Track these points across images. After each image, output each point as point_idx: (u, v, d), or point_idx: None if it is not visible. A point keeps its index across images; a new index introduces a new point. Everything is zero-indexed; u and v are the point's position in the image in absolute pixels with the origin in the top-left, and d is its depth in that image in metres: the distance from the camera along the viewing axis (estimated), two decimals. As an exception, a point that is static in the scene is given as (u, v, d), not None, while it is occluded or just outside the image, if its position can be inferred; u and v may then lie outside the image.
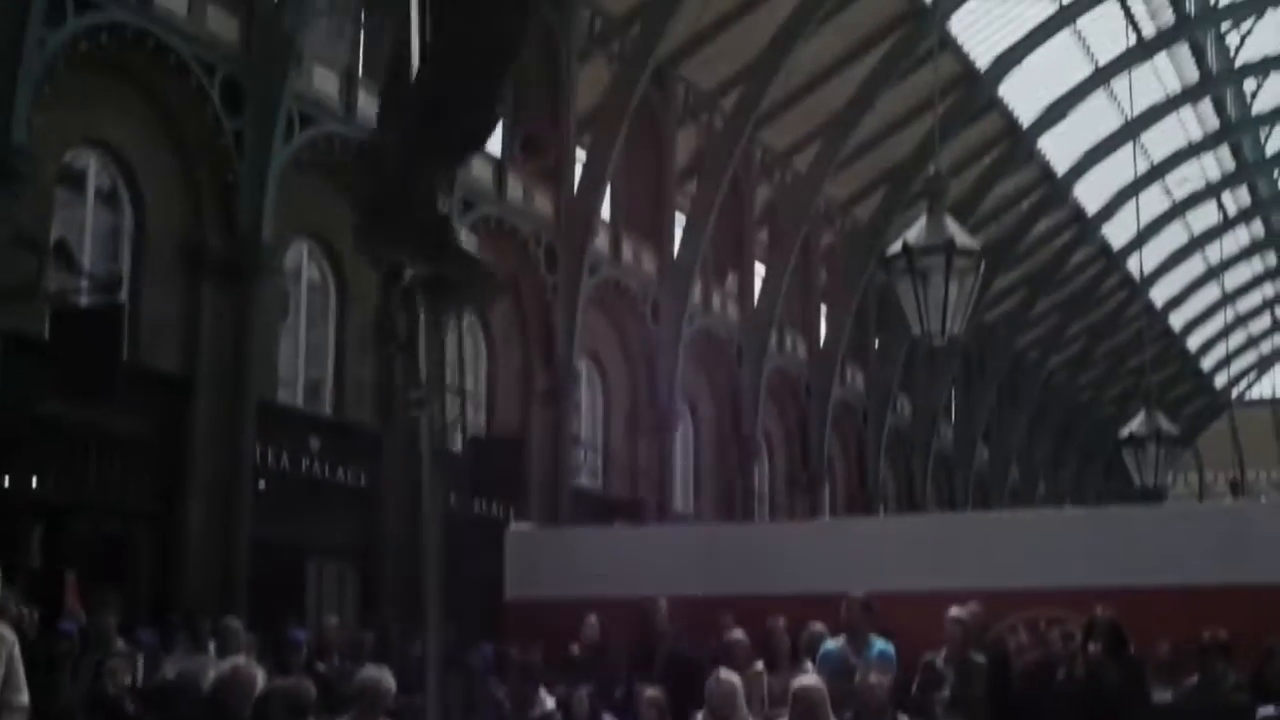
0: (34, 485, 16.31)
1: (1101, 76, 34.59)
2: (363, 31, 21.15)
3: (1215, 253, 45.78)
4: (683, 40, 26.22)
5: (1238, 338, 54.21)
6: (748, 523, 26.16)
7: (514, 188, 23.79)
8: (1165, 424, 17.43)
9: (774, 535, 15.10)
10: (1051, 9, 31.74)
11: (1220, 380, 56.47)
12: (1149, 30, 34.47)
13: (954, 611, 9.79)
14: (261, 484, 18.75)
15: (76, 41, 16.72)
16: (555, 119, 24.52)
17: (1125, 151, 34.99)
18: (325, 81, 20.01)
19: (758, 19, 26.08)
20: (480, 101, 3.35)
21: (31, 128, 15.78)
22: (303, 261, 20.77)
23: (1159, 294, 45.80)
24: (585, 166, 25.19)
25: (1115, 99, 35.52)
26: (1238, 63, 38.05)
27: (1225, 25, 37.02)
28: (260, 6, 18.87)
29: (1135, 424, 17.26)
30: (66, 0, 16.37)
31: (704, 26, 25.89)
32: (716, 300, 29.66)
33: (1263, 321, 55.48)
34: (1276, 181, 45.86)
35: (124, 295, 17.46)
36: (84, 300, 16.67)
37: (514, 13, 3.37)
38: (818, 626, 10.33)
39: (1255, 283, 51.36)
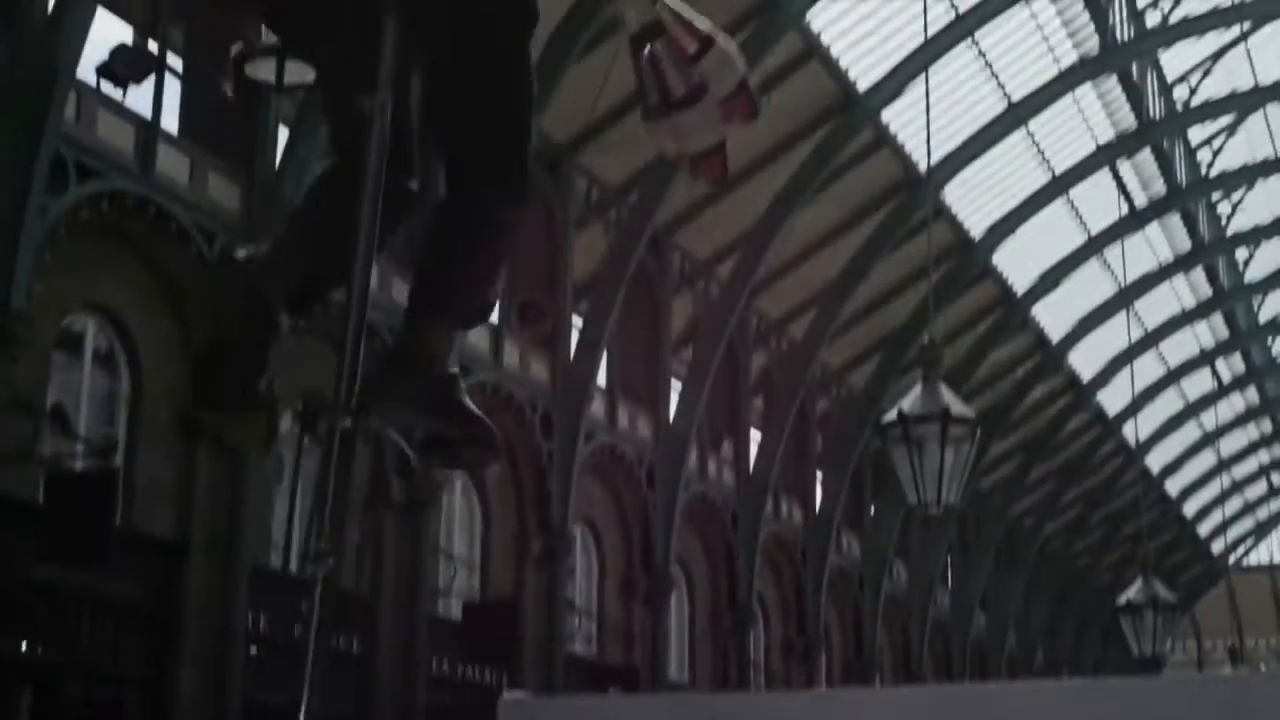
0: (25, 649, 16.18)
1: (1094, 245, 34.90)
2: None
3: (1210, 419, 45.83)
4: (679, 209, 26.50)
5: (1234, 504, 54.09)
6: (745, 693, 25.90)
7: (510, 354, 23.90)
8: (1162, 591, 17.33)
9: (772, 706, 14.94)
10: (1044, 179, 32.10)
11: (1217, 546, 56.24)
12: (1141, 200, 34.87)
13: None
14: (254, 649, 18.61)
15: (78, 209, 16.90)
16: (552, 286, 24.70)
17: (1119, 319, 35.18)
18: (324, 247, 20.13)
19: (753, 188, 26.36)
20: (478, 283, 3.38)
21: (31, 293, 15.89)
22: (296, 425, 20.76)
23: (1155, 460, 45.79)
24: (582, 333, 25.32)
25: (1108, 267, 35.80)
26: (1229, 232, 38.43)
27: (1216, 195, 37.44)
28: (260, 174, 19.08)
29: (1132, 591, 17.18)
30: (69, 168, 16.57)
31: (700, 195, 26.16)
32: (712, 466, 29.66)
33: (1259, 488, 55.41)
34: (1270, 349, 46.11)
35: (119, 460, 17.46)
36: (79, 465, 16.68)
37: (509, 200, 3.41)
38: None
39: (1251, 449, 51.37)
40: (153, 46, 18.46)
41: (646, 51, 3.66)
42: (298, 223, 3.47)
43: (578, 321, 25.54)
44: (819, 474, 33.72)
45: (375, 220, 3.15)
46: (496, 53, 3.37)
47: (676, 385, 28.26)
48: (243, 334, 3.35)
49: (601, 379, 26.28)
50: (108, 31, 17.94)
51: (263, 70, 8.53)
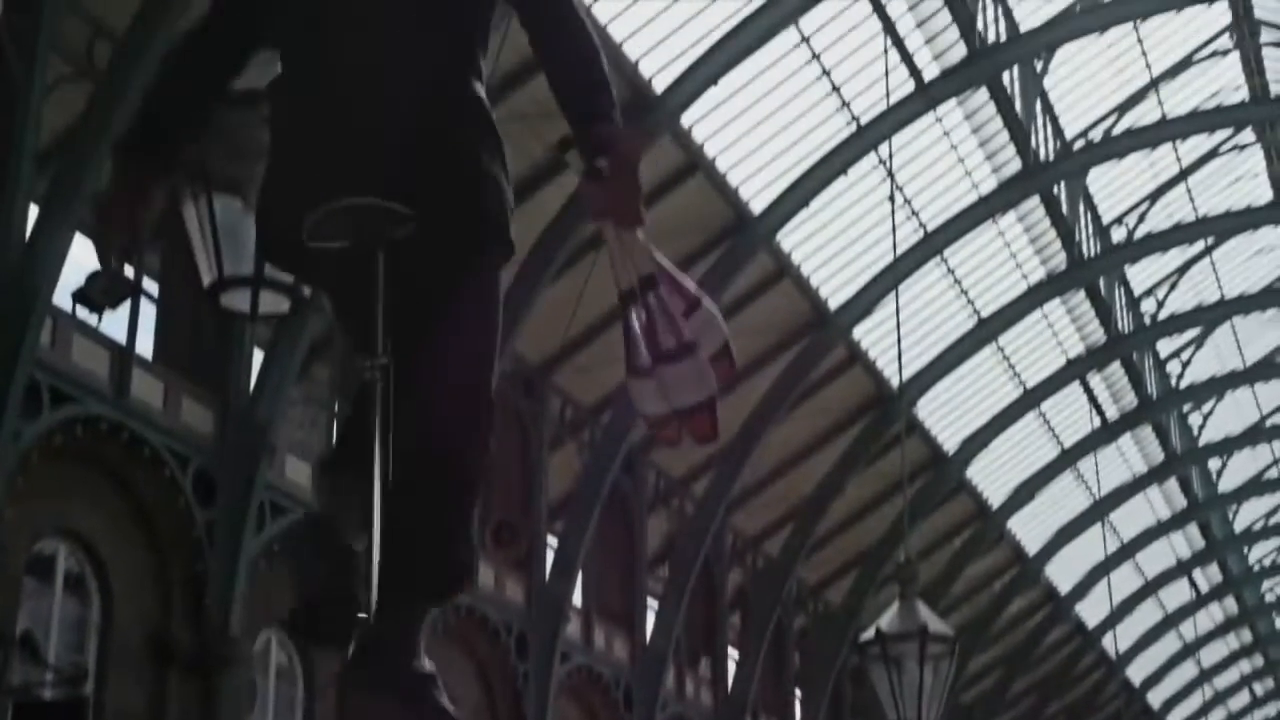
0: None
1: (1068, 458, 35.02)
2: (335, 420, 21.39)
3: (1190, 630, 45.60)
4: (653, 427, 26.52)
5: (1218, 715, 53.51)
6: None
7: (485, 575, 23.72)
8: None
9: None
10: (1016, 393, 32.31)
11: (1202, 759, 55.55)
12: (1112, 413, 35.08)
13: None
14: None
15: (51, 434, 16.89)
16: (527, 506, 24.63)
17: (1095, 531, 35.19)
18: (298, 471, 20.12)
19: (727, 407, 26.31)
20: (450, 540, 3.34)
21: (2, 519, 15.79)
22: (271, 650, 20.55)
23: (1136, 672, 45.44)
24: (557, 553, 25.19)
25: (1083, 480, 35.93)
26: (1201, 442, 38.64)
27: (1187, 406, 37.71)
28: (234, 399, 19.10)
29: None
30: (43, 393, 16.59)
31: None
32: (690, 686, 29.32)
33: (1242, 698, 54.86)
34: (1246, 558, 46.05)
35: (89, 687, 17.20)
36: (48, 693, 16.42)
37: (478, 446, 3.39)
38: None
39: (1231, 659, 50.97)
40: (129, 272, 18.61)
41: (639, 308, 3.66)
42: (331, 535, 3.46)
43: (553, 541, 25.43)
44: (798, 692, 33.37)
45: (379, 498, 3.16)
46: (481, 291, 3.40)
47: (653, 604, 28.05)
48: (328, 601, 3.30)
49: (577, 599, 26.08)
50: (84, 256, 18.10)
51: (237, 300, 8.52)
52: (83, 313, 17.77)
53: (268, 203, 3.47)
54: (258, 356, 19.50)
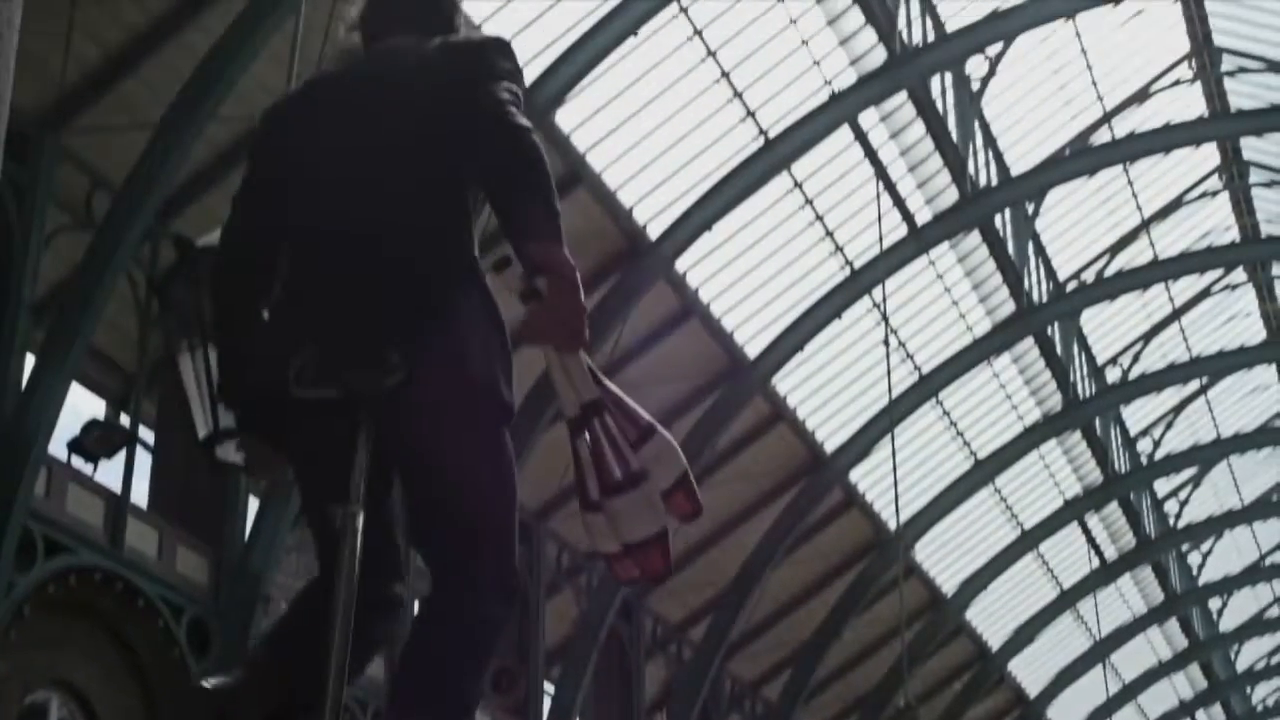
0: None
1: (1067, 599, 34.80)
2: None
3: (1195, 770, 45.15)
4: (650, 572, 26.35)
5: None
6: None
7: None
8: None
9: None
10: (1014, 535, 32.19)
11: None
12: (1111, 553, 34.96)
13: None
14: None
15: (45, 585, 16.74)
16: (524, 653, 24.42)
17: (1096, 673, 34.94)
18: (293, 618, 19.94)
19: (724, 551, 26.43)
20: (462, 679, 3.32)
21: (-6, 673, 15.65)
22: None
23: (1141, 815, 44.89)
24: (554, 700, 24.93)
25: (1083, 621, 35.69)
26: (1201, 581, 38.46)
27: (1186, 546, 37.57)
28: (229, 548, 18.98)
29: None
30: (37, 544, 16.47)
31: (673, 559, 26.06)
32: (689, 835, 28.90)
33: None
34: (1249, 697, 45.64)
35: (80, 842, 16.95)
36: None
37: (498, 597, 3.37)
38: None
39: (1236, 803, 50.44)
40: (125, 421, 18.59)
41: (585, 436, 3.57)
42: (272, 641, 3.43)
43: (550, 688, 25.18)
44: (799, 840, 32.89)
45: (348, 638, 3.10)
46: (476, 450, 3.38)
47: (651, 751, 27.75)
48: None
49: (575, 747, 25.78)
50: (80, 406, 18.10)
51: (232, 452, 8.51)
52: (78, 462, 17.71)
53: (249, 351, 3.46)
54: (252, 505, 19.42)
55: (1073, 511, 32.74)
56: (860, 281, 24.26)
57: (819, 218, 23.61)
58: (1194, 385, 32.87)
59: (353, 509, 3.18)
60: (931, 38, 22.32)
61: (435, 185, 3.44)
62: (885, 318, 24.56)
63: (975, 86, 23.83)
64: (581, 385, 3.45)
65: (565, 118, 19.71)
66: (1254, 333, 32.87)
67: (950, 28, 22.53)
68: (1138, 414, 33.21)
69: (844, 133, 22.35)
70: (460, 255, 3.43)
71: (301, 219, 3.52)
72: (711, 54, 20.48)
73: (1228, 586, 38.91)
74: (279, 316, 3.48)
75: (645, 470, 3.52)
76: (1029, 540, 32.49)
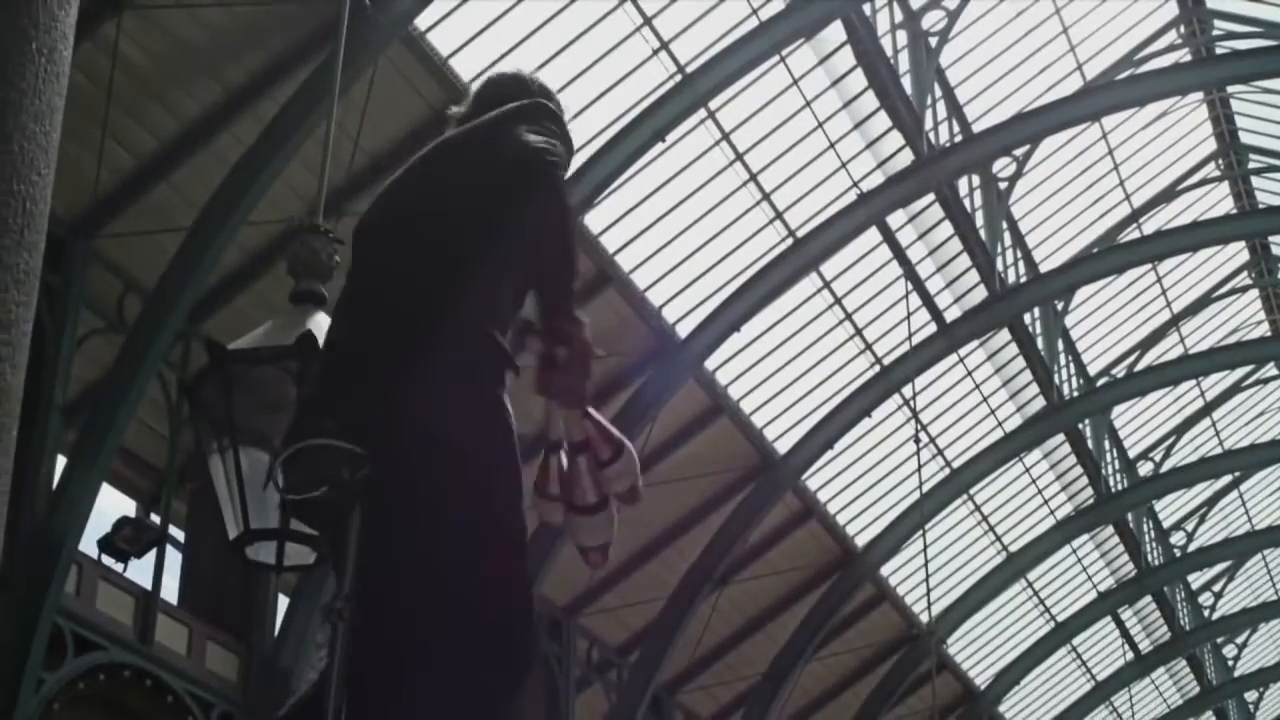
0: None
1: (1101, 693, 34.59)
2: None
3: None
4: (680, 667, 26.38)
5: None
6: None
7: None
8: None
9: None
10: (1047, 628, 32.05)
11: None
12: (1145, 646, 34.76)
13: None
14: None
15: (75, 682, 16.85)
16: (553, 748, 24.39)
17: (1131, 767, 34.70)
18: (321, 717, 19.99)
19: (757, 646, 26.46)
20: None
21: (21, 768, 15.74)
22: None
23: None
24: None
25: (1118, 714, 35.47)
26: (1236, 674, 38.17)
27: (1221, 638, 37.33)
28: (259, 644, 19.08)
29: None
30: (67, 641, 16.59)
31: (703, 653, 26.12)
32: None
33: None
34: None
35: None
36: None
37: (505, 678, 3.46)
38: None
39: None
40: (155, 518, 18.76)
41: (558, 455, 3.85)
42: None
43: (580, 786, 25.13)
44: None
45: None
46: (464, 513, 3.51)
47: None
48: None
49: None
50: (111, 505, 18.28)
51: (263, 553, 8.65)
52: (108, 560, 17.86)
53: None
54: (282, 602, 19.53)
55: (1106, 605, 32.57)
56: (889, 379, 24.34)
57: (848, 316, 23.72)
58: (1226, 479, 32.78)
59: (339, 604, 3.28)
60: (959, 139, 22.51)
61: (441, 243, 3.63)
62: (915, 414, 24.65)
63: (1003, 186, 23.97)
64: (574, 430, 3.79)
65: (595, 220, 19.93)
66: (1287, 426, 32.86)
67: (976, 129, 22.72)
68: (1170, 507, 33.13)
69: (872, 233, 22.50)
70: (459, 316, 3.57)
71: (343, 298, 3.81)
72: (740, 157, 20.69)
73: (1264, 679, 38.59)
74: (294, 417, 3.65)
75: (608, 496, 3.85)
76: (1062, 633, 32.33)
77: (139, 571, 18.26)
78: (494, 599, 3.47)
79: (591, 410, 3.77)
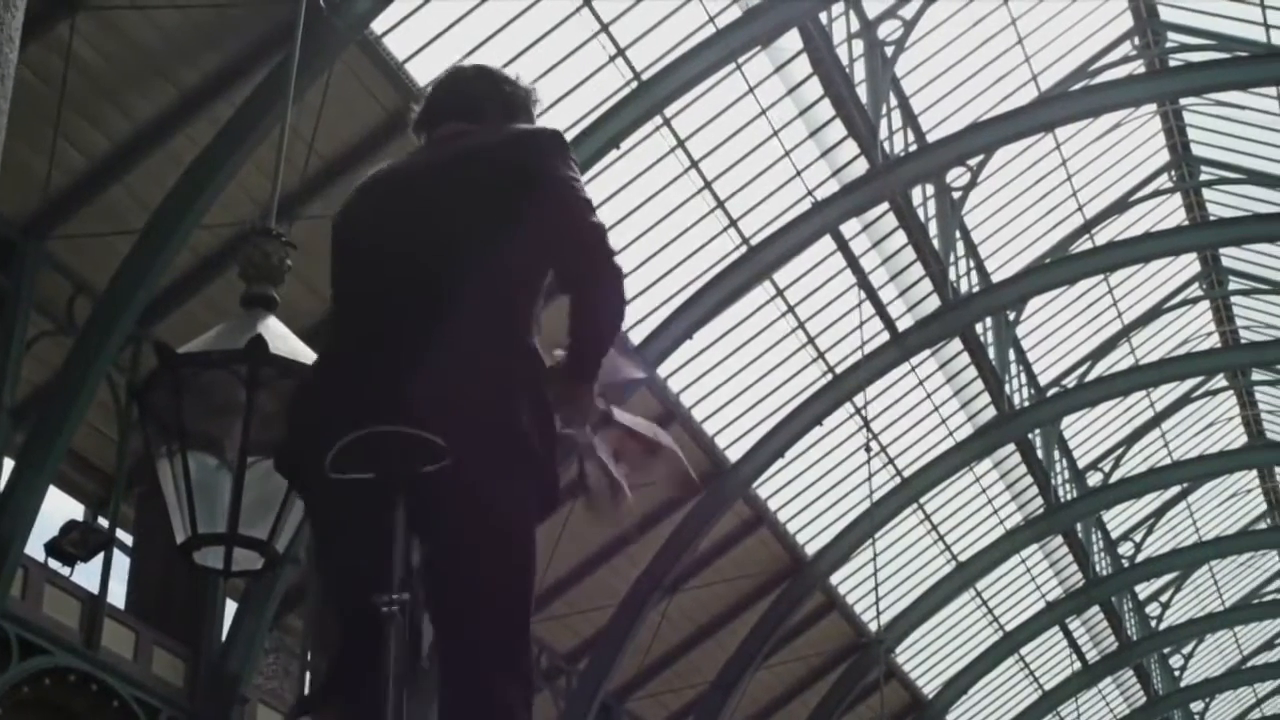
0: None
1: (1049, 702, 34.68)
2: (308, 672, 21.22)
3: None
4: (630, 675, 26.34)
5: None
6: None
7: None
8: None
9: None
10: (995, 637, 32.13)
11: None
12: (1093, 655, 34.91)
13: None
14: None
15: (19, 686, 16.70)
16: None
17: (1079, 778, 34.82)
18: (269, 721, 19.93)
19: (705, 654, 26.46)
20: None
21: (-34, 775, 15.58)
22: None
23: None
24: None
25: (1065, 724, 35.61)
26: (1183, 683, 38.37)
27: (1167, 649, 37.50)
28: (206, 650, 18.94)
29: None
30: (12, 644, 16.43)
31: (653, 660, 26.09)
32: None
33: None
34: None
35: None
36: None
37: (514, 682, 3.44)
38: None
39: None
40: (103, 522, 18.60)
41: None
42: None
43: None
44: None
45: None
46: (506, 533, 3.47)
47: None
48: None
49: None
50: (59, 508, 18.12)
51: (210, 558, 8.56)
52: (55, 564, 17.71)
53: (302, 423, 3.57)
54: (230, 607, 19.40)
55: (1054, 614, 32.69)
56: (842, 387, 24.36)
57: (801, 324, 23.74)
58: (1174, 490, 32.96)
59: (400, 597, 3.22)
60: (913, 148, 22.55)
61: (492, 266, 3.55)
62: (866, 423, 24.69)
63: (956, 195, 24.03)
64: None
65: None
66: (1234, 437, 33.07)
67: (931, 138, 22.77)
68: (1119, 518, 33.29)
69: (826, 241, 22.52)
70: (511, 333, 3.56)
71: (357, 289, 3.65)
72: (695, 164, 20.68)
73: (1209, 690, 38.83)
74: (325, 382, 3.57)
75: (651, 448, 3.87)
76: (1010, 643, 32.42)
77: (86, 575, 18.13)
78: (528, 608, 3.56)
79: (621, 416, 3.78)
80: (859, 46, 21.62)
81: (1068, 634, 33.88)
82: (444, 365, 3.40)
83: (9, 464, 16.43)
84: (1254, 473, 34.58)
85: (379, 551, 3.28)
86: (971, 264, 25.12)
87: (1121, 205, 27.12)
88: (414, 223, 3.62)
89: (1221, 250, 28.44)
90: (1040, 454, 29.24)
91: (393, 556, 3.27)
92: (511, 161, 3.66)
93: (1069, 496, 30.36)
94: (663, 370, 22.55)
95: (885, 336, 24.33)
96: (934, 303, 24.42)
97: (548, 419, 3.56)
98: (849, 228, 22.82)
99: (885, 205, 22.82)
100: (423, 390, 3.36)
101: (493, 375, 3.48)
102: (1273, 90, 24.50)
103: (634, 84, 18.87)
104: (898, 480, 26.96)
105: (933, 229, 23.94)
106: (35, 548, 17.23)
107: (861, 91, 21.45)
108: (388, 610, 3.21)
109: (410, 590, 3.29)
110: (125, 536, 19.30)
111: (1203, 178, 27.43)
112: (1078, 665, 34.53)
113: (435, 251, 3.55)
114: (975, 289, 25.06)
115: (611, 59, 18.80)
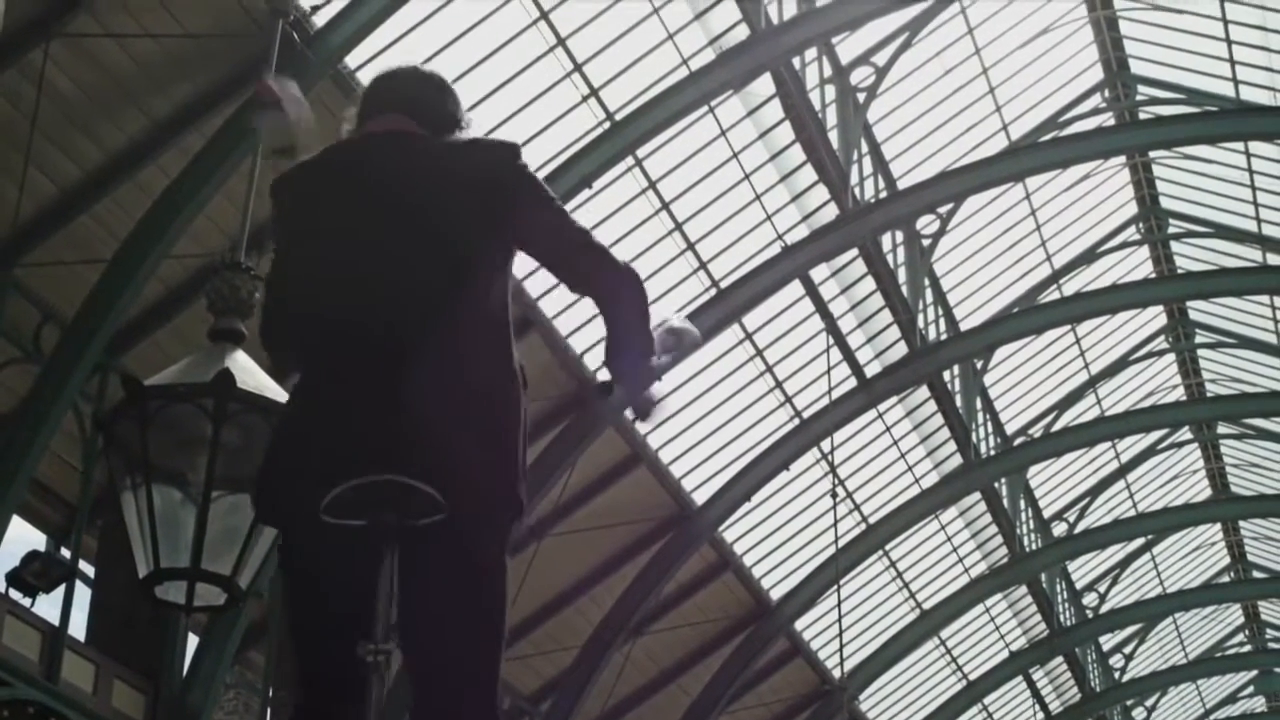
0: None
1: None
2: (268, 706, 21.08)
3: None
4: (593, 718, 26.20)
5: None
6: None
7: None
8: None
9: None
10: (958, 686, 32.12)
11: None
12: (1056, 706, 35.04)
13: None
14: None
15: (-22, 719, 16.58)
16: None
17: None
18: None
19: (669, 698, 26.41)
20: None
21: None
22: None
23: None
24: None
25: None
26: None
27: (1130, 700, 37.56)
28: (167, 684, 18.81)
29: None
30: (-27, 686, 16.32)
31: (616, 702, 26.00)
32: None
33: None
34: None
35: None
36: None
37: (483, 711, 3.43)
38: None
39: None
40: (65, 553, 18.48)
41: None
42: None
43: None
44: None
45: None
46: (490, 575, 3.47)
47: None
48: None
49: None
50: (20, 536, 17.99)
51: (172, 592, 8.53)
52: (16, 594, 17.58)
53: (291, 463, 3.42)
54: (191, 641, 19.28)
55: (1017, 664, 32.70)
56: (809, 432, 24.39)
57: (769, 368, 23.77)
58: (1139, 541, 33.05)
59: (383, 647, 3.18)
60: (884, 194, 22.64)
61: (482, 286, 3.52)
62: (833, 469, 24.69)
63: (926, 243, 24.13)
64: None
65: (517, 265, 19.78)
66: (1199, 490, 33.19)
67: (902, 185, 22.88)
68: (1083, 569, 33.35)
69: (795, 286, 22.58)
70: (507, 356, 3.53)
71: (322, 310, 3.51)
72: (665, 206, 20.72)
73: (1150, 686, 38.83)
74: (304, 421, 3.44)
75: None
76: (974, 692, 32.42)
77: (47, 607, 18.00)
78: (500, 650, 3.58)
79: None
80: (831, 92, 21.73)
81: (1031, 684, 33.90)
82: (440, 401, 3.33)
83: (-30, 492, 16.31)
84: (1218, 526, 34.72)
85: (364, 599, 3.23)
86: (940, 312, 25.21)
87: (1090, 256, 27.28)
88: (396, 241, 3.51)
89: (1189, 303, 28.58)
90: (1006, 503, 29.30)
91: (378, 605, 3.23)
92: (486, 174, 3.62)
93: (1034, 546, 30.41)
94: (628, 413, 22.50)
95: (853, 382, 24.38)
96: (902, 349, 24.49)
97: (524, 441, 3.51)
98: (818, 273, 22.89)
99: (855, 251, 22.89)
100: (419, 430, 3.28)
101: (490, 409, 3.43)
102: (1240, 146, 24.69)
103: (606, 124, 18.92)
104: (863, 527, 26.98)
105: (902, 276, 24.03)
106: (-5, 579, 17.13)
107: (833, 137, 21.54)
108: (372, 660, 3.17)
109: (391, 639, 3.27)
110: (87, 568, 19.18)
111: (1171, 230, 27.61)
112: (1041, 716, 34.61)
113: (422, 274, 3.46)
114: (943, 337, 25.14)
115: (584, 99, 18.85)
